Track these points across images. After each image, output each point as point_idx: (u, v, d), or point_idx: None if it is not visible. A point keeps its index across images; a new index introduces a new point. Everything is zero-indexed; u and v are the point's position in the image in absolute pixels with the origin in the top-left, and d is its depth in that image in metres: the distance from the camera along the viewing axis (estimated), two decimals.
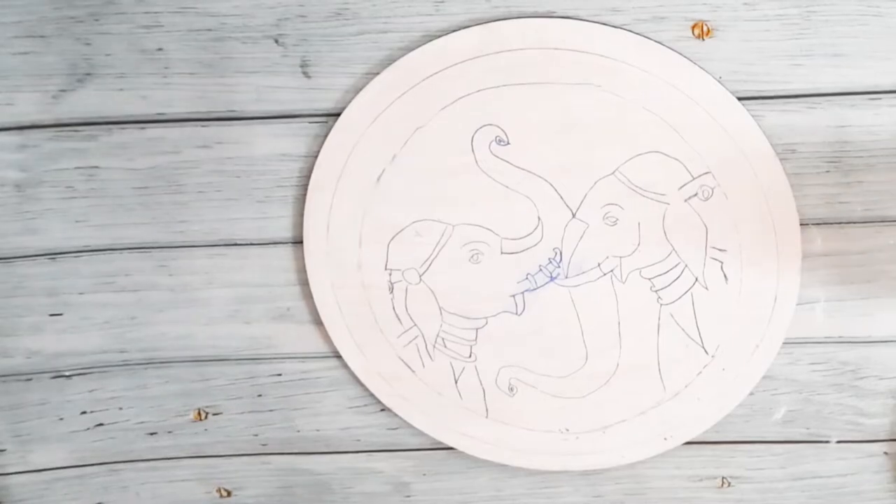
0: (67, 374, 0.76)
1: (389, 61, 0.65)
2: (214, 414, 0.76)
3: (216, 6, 0.65)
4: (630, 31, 0.64)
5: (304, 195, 0.69)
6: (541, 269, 0.70)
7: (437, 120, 0.66)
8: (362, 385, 0.74)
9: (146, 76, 0.67)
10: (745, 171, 0.66)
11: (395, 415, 0.74)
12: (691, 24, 0.63)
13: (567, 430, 0.73)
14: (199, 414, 0.76)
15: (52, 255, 0.72)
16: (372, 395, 0.74)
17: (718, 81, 0.64)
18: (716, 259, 0.68)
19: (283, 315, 0.73)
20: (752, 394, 0.72)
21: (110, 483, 0.79)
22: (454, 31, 0.65)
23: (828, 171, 0.66)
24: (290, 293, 0.72)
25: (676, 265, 0.69)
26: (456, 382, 0.73)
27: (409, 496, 0.77)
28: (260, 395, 0.75)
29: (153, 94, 0.67)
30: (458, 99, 0.66)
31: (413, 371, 0.73)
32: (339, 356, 0.73)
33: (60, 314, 0.74)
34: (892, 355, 0.70)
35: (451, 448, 0.75)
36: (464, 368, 0.72)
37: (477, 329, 0.71)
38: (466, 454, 0.75)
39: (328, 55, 0.66)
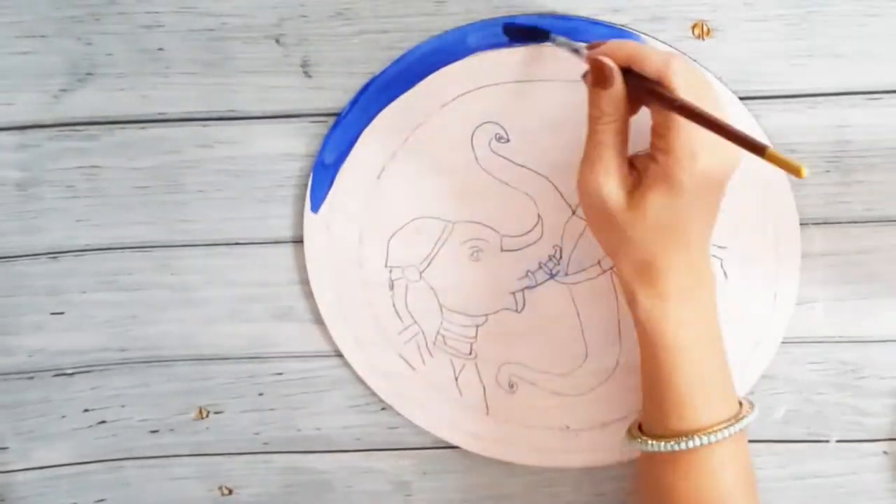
0: (69, 372, 0.76)
1: (389, 60, 0.65)
2: (216, 412, 0.76)
3: (217, 6, 0.65)
4: (631, 29, 0.64)
5: (304, 194, 0.69)
6: (541, 267, 0.70)
7: (436, 117, 0.66)
8: (363, 384, 0.74)
9: (147, 76, 0.67)
10: (746, 168, 0.66)
11: (396, 413, 0.74)
12: (691, 23, 0.63)
13: (567, 427, 0.73)
14: (201, 412, 0.76)
15: (54, 254, 0.72)
16: (373, 393, 0.74)
17: (719, 80, 0.64)
18: (716, 256, 0.68)
19: (284, 314, 0.73)
20: (751, 393, 0.72)
21: (112, 480, 0.79)
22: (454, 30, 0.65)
23: (828, 171, 0.66)
24: (291, 292, 0.72)
25: None
26: (456, 380, 0.73)
27: (409, 495, 0.78)
28: (261, 394, 0.75)
29: (154, 93, 0.67)
30: (458, 96, 0.66)
31: (413, 369, 0.73)
32: (339, 355, 0.73)
33: (62, 313, 0.74)
34: (892, 355, 0.70)
35: (451, 447, 0.75)
36: (464, 366, 0.72)
37: (477, 326, 0.71)
38: (467, 452, 0.75)
39: (329, 55, 0.66)
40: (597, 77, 0.57)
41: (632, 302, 0.61)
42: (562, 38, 0.62)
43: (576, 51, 0.61)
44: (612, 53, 0.57)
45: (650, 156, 0.57)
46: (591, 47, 0.60)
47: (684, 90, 0.54)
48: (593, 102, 0.58)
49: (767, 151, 0.47)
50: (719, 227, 0.67)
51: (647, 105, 0.58)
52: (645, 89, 0.56)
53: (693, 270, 0.59)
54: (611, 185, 0.57)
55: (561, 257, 0.69)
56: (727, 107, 0.57)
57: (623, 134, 0.58)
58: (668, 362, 0.60)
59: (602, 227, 0.60)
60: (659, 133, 0.56)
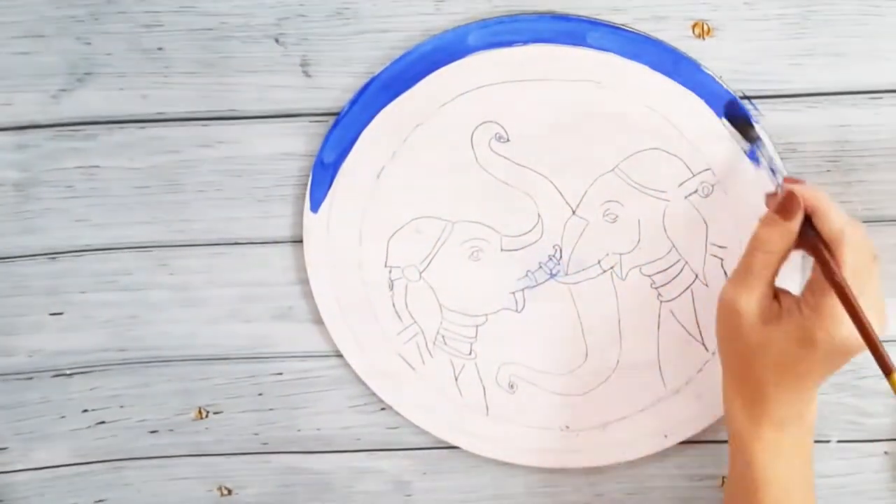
0: (68, 372, 0.76)
1: (389, 60, 0.65)
2: (215, 413, 0.76)
3: (216, 6, 0.65)
4: (631, 29, 0.64)
5: (304, 194, 0.69)
6: (541, 266, 0.70)
7: (436, 117, 0.66)
8: (362, 384, 0.74)
9: (146, 76, 0.67)
10: (746, 168, 0.66)
11: (396, 413, 0.74)
12: (691, 23, 0.63)
13: (567, 427, 0.73)
14: (200, 412, 0.76)
15: (53, 254, 0.72)
16: (372, 393, 0.74)
17: (719, 80, 0.64)
18: (716, 256, 0.68)
19: (284, 314, 0.73)
20: None
21: (112, 481, 0.79)
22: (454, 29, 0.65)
23: (828, 171, 0.66)
24: (291, 292, 0.72)
25: (676, 262, 0.69)
26: (456, 380, 0.73)
27: (409, 495, 0.77)
28: (261, 394, 0.75)
29: (153, 93, 0.67)
30: (457, 96, 0.66)
31: (413, 369, 0.73)
32: (339, 355, 0.73)
33: (61, 313, 0.74)
34: (892, 355, 0.70)
35: (451, 447, 0.75)
36: (464, 366, 0.72)
37: (477, 326, 0.71)
38: (467, 452, 0.75)
39: (328, 54, 0.66)
40: (782, 206, 0.58)
41: (729, 417, 0.63)
42: (768, 152, 0.64)
43: (773, 170, 0.62)
44: (802, 194, 0.58)
45: (798, 303, 0.58)
46: (787, 180, 0.61)
47: (849, 266, 0.55)
48: (763, 227, 0.59)
49: (893, 376, 0.52)
50: (719, 228, 0.67)
51: (810, 255, 0.59)
52: (813, 245, 0.57)
53: (797, 406, 0.60)
54: (751, 308, 0.59)
55: (561, 257, 0.69)
56: (878, 280, 0.58)
57: (776, 267, 0.59)
58: (755, 482, 0.62)
59: (728, 343, 0.62)
60: (813, 290, 0.57)
